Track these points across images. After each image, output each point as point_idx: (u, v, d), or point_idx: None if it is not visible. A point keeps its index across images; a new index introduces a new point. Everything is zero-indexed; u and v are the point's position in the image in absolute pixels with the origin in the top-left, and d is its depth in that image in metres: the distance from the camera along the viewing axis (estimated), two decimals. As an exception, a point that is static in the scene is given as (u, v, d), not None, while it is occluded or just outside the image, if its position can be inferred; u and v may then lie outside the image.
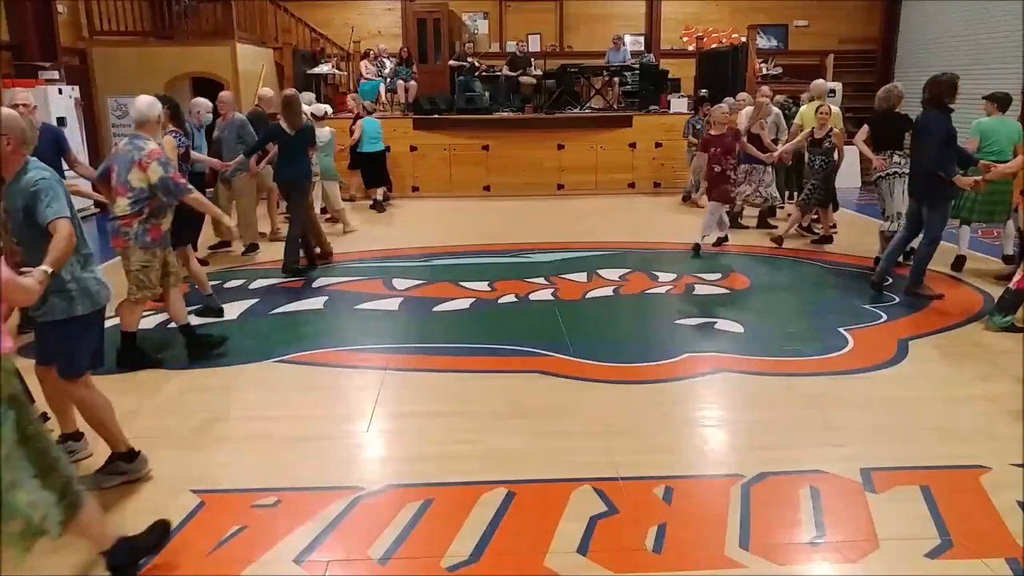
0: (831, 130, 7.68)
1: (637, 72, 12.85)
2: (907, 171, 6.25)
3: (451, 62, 12.90)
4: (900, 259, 6.32)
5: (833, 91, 12.99)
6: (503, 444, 3.66)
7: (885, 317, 5.49)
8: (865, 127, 6.81)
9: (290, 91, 7.25)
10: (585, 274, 6.84)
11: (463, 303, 5.99)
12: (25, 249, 2.99)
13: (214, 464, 3.49)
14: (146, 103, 4.32)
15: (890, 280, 6.16)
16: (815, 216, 8.26)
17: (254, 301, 6.04)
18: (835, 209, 8.29)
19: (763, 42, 14.70)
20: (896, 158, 6.58)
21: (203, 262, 6.67)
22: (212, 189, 7.56)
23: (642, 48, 14.79)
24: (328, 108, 9.41)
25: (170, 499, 3.14)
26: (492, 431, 3.80)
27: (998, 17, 11.71)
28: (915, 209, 5.88)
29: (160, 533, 2.79)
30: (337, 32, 14.30)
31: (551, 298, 6.16)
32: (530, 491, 3.23)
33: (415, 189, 11.48)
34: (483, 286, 6.43)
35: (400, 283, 6.54)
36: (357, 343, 5.13)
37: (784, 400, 4.19)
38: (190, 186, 4.50)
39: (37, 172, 2.93)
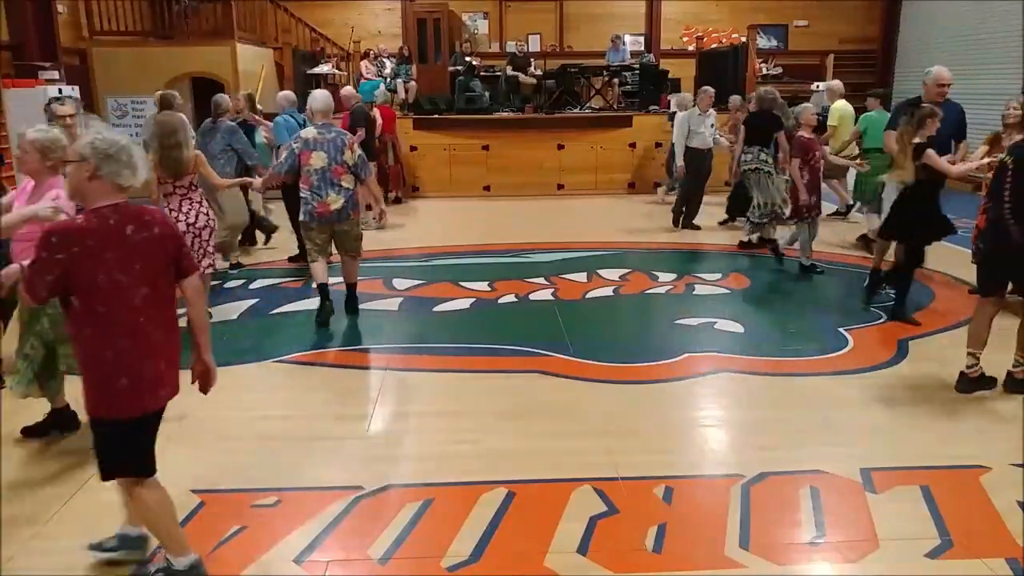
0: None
1: (637, 72, 12.85)
2: (772, 169, 7.08)
3: (450, 68, 12.90)
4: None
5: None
6: (503, 444, 3.66)
7: (885, 317, 5.48)
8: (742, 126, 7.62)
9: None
10: (585, 274, 6.84)
11: (463, 303, 5.99)
12: None
13: (214, 464, 3.49)
14: (327, 97, 5.42)
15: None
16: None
17: (254, 301, 6.04)
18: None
19: (763, 42, 14.70)
20: (763, 155, 7.15)
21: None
22: None
23: (642, 48, 14.79)
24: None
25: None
26: (492, 431, 3.80)
27: (998, 17, 11.71)
28: None
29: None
30: (337, 32, 14.30)
31: (551, 298, 6.16)
32: (530, 491, 3.23)
33: (415, 189, 11.48)
34: (483, 286, 6.43)
35: (400, 283, 6.54)
36: (357, 343, 5.13)
37: (784, 400, 4.19)
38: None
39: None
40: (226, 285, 6.47)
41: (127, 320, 2.38)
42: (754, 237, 7.62)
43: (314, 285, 5.58)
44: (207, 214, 4.96)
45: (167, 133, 4.77)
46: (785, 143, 7.20)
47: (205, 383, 2.71)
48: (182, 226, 4.77)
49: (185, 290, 2.62)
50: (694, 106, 8.71)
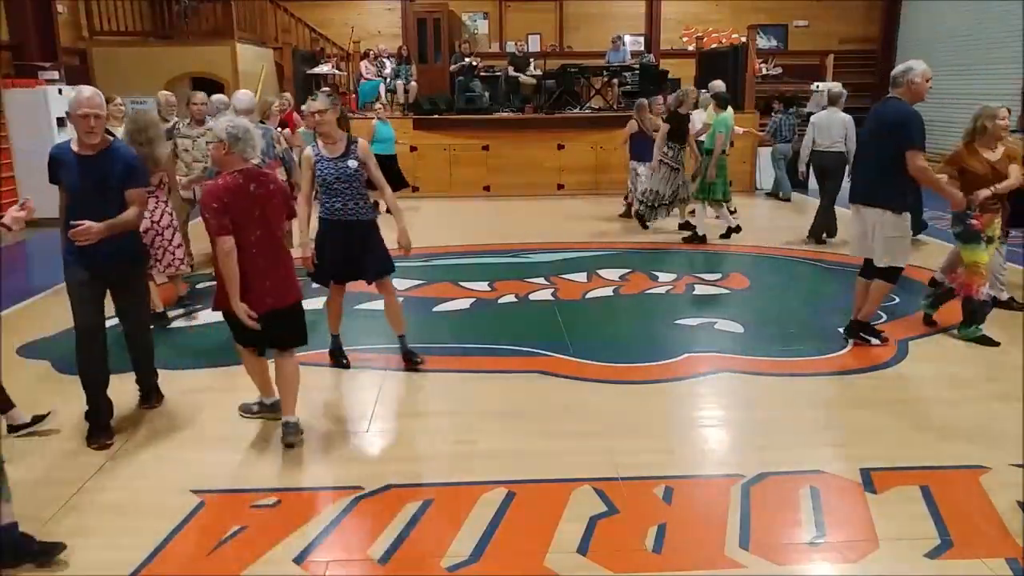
0: None
1: (637, 72, 12.84)
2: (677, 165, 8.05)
3: (451, 67, 12.90)
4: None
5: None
6: (503, 444, 3.66)
7: (885, 317, 5.48)
8: (664, 124, 8.12)
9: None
10: (585, 274, 6.84)
11: (463, 303, 5.99)
12: None
13: (214, 464, 3.49)
14: (250, 96, 5.83)
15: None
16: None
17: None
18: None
19: (763, 42, 14.71)
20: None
21: None
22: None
23: (642, 48, 14.80)
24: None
25: (170, 499, 3.14)
26: (492, 431, 3.80)
27: (998, 17, 11.72)
28: None
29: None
30: (337, 32, 14.30)
31: (551, 298, 6.16)
32: (530, 491, 3.23)
33: (415, 189, 11.47)
34: (483, 286, 6.43)
35: (400, 283, 6.51)
36: (357, 343, 5.12)
37: (784, 400, 4.19)
38: None
39: None
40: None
41: (246, 250, 3.39)
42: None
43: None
44: (171, 214, 5.22)
45: (139, 129, 4.86)
46: None
47: None
48: (146, 223, 4.94)
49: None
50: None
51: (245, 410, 3.97)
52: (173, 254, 5.35)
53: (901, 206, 4.61)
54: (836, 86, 9.05)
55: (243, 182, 3.38)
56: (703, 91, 9.26)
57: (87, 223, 3.38)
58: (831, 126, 7.92)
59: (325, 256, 4.35)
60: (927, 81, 4.59)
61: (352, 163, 4.24)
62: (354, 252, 4.35)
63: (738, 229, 8.34)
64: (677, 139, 8.08)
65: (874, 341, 4.95)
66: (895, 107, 4.56)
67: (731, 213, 8.51)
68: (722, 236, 8.26)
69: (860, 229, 4.83)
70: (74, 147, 3.52)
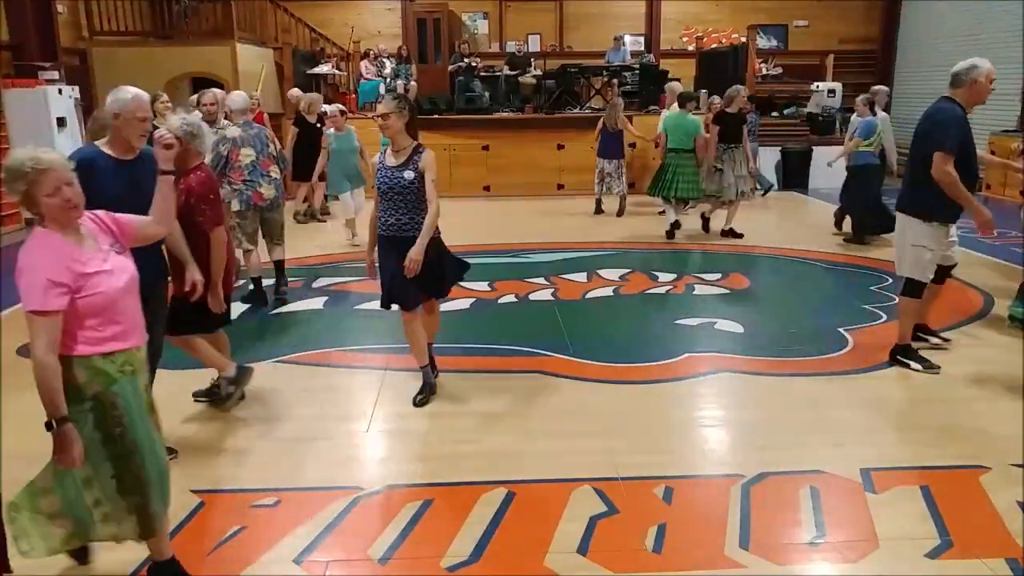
0: None
1: (637, 72, 12.85)
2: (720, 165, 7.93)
3: (450, 67, 12.89)
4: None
5: (833, 91, 13.04)
6: (503, 444, 3.66)
7: (885, 317, 5.49)
8: (714, 126, 8.12)
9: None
10: (585, 274, 6.85)
11: (463, 303, 5.98)
12: None
13: (214, 464, 3.49)
14: (245, 97, 5.85)
15: (890, 279, 6.16)
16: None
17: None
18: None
19: (763, 42, 14.70)
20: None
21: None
22: None
23: (642, 48, 14.79)
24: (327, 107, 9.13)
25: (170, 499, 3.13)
26: (492, 431, 3.80)
27: (998, 17, 11.71)
28: None
29: None
30: (337, 32, 14.29)
31: (551, 298, 6.16)
32: (530, 491, 3.23)
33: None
34: (483, 286, 6.43)
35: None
36: (357, 343, 5.13)
37: (784, 400, 4.19)
38: None
39: None
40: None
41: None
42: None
43: (251, 278, 5.98)
44: None
45: (101, 128, 4.84)
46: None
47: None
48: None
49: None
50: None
51: (214, 395, 4.06)
52: None
53: (929, 215, 4.34)
54: (835, 86, 9.11)
55: (212, 176, 3.73)
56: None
57: (197, 278, 3.54)
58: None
59: (384, 277, 4.02)
60: (991, 83, 4.34)
61: (409, 174, 3.85)
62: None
63: (677, 225, 8.38)
64: (729, 139, 8.03)
65: (913, 365, 4.54)
66: (940, 108, 4.30)
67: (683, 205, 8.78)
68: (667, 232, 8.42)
69: (898, 238, 4.62)
70: (109, 151, 3.24)
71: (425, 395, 4.14)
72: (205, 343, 3.92)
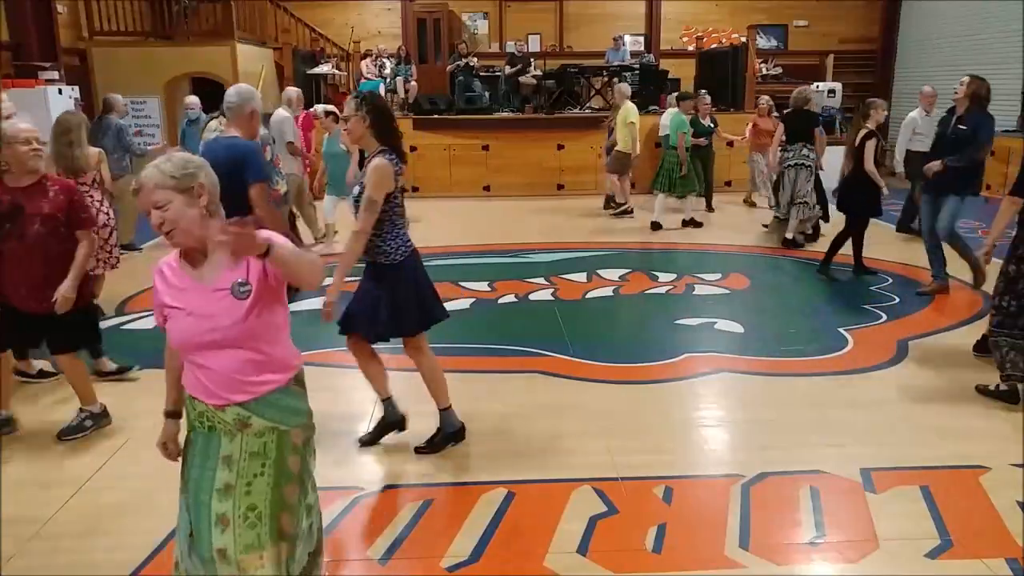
0: None
1: (637, 72, 12.84)
2: (810, 164, 7.55)
3: (448, 67, 12.89)
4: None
5: (833, 91, 13.03)
6: (503, 444, 3.66)
7: (885, 317, 5.49)
8: (780, 124, 8.00)
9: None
10: (585, 274, 6.85)
11: (463, 303, 5.98)
12: None
13: (214, 464, 3.48)
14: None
15: (890, 279, 6.15)
16: None
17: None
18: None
19: (763, 42, 14.70)
20: (804, 151, 7.55)
21: None
22: None
23: (642, 48, 14.79)
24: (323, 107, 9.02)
25: (170, 499, 3.13)
26: (492, 431, 3.80)
27: (998, 17, 11.71)
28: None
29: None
30: (337, 32, 14.29)
31: (551, 298, 6.16)
32: (530, 491, 3.23)
33: (415, 189, 11.47)
34: (483, 286, 6.43)
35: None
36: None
37: (784, 400, 4.19)
38: None
39: None
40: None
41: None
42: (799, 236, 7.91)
43: None
44: (107, 213, 5.17)
45: (61, 132, 4.94)
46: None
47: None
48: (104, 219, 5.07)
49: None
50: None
51: (81, 429, 3.73)
52: (110, 252, 5.25)
53: None
54: (835, 86, 9.17)
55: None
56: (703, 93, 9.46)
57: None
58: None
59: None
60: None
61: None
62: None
63: (659, 226, 8.79)
64: (799, 139, 7.65)
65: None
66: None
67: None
68: (653, 225, 8.81)
69: None
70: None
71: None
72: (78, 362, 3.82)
